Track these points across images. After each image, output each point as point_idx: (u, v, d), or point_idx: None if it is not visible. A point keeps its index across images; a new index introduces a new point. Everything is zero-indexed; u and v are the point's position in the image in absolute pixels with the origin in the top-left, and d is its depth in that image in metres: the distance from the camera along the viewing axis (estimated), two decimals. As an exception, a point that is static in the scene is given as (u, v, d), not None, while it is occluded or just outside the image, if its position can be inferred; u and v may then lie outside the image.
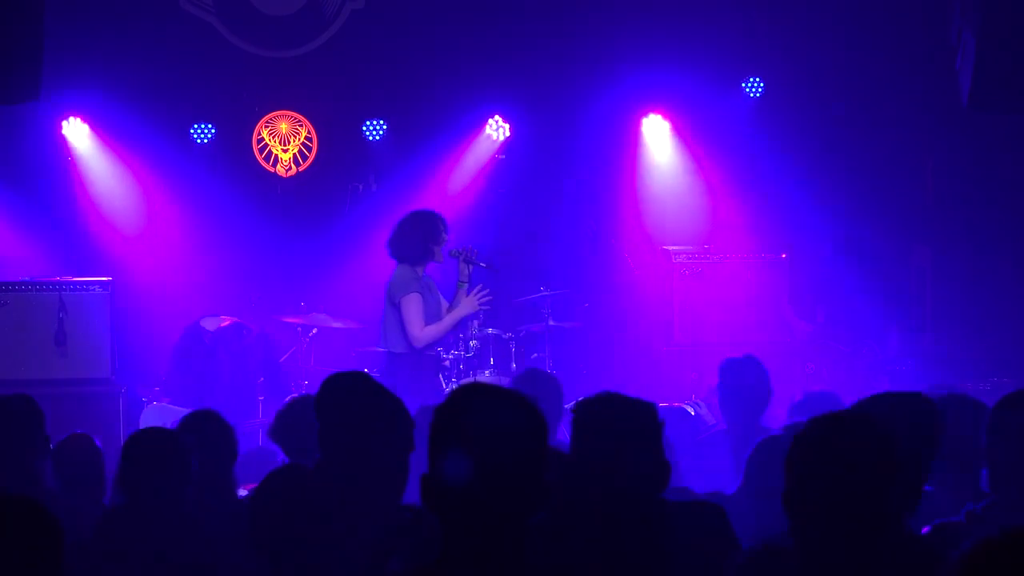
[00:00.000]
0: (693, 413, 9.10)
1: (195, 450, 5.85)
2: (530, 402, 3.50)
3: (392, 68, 13.12)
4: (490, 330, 11.41)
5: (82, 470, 7.26)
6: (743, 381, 7.60)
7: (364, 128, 13.26)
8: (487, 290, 10.08)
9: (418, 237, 10.05)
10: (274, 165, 13.24)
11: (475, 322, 11.52)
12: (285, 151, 13.22)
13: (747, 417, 7.55)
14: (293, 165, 13.24)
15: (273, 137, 13.22)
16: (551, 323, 11.73)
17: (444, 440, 3.43)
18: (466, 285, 10.13)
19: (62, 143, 12.95)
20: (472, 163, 13.38)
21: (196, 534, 5.57)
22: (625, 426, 4.30)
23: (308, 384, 11.69)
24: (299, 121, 13.24)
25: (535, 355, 11.82)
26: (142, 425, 10.37)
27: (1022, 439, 4.69)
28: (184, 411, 10.27)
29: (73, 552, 5.44)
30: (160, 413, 10.56)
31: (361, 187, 13.46)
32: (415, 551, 4.48)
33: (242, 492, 6.74)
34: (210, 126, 13.16)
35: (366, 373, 5.52)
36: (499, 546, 3.38)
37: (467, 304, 9.97)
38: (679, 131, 13.28)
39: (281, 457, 7.38)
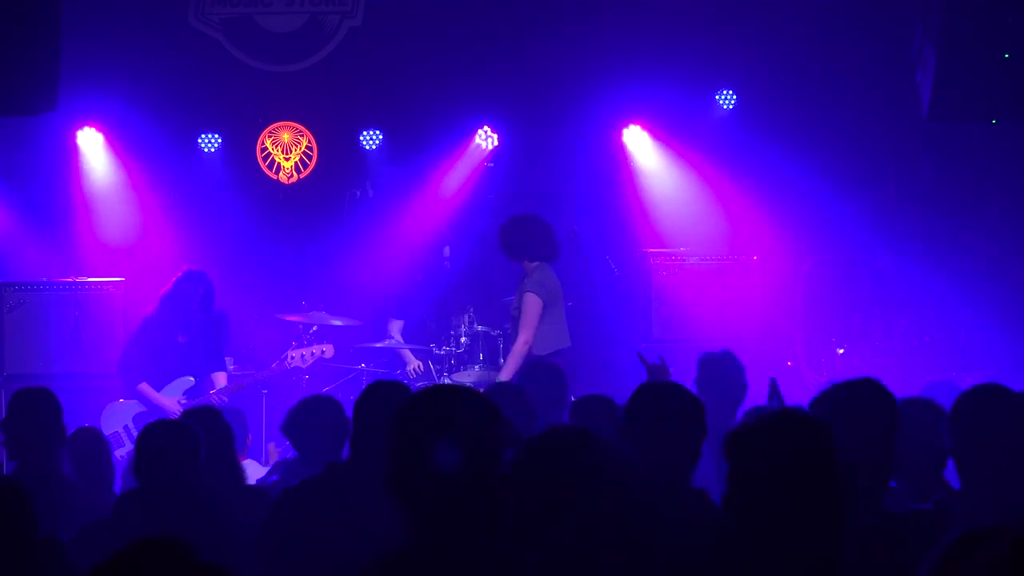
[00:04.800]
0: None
1: (203, 440, 5.86)
2: (488, 400, 3.56)
3: (388, 81, 13.11)
4: (479, 327, 11.41)
5: (92, 459, 7.30)
6: (721, 375, 7.57)
7: (361, 138, 13.24)
8: None
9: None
10: (277, 172, 13.22)
11: (466, 317, 11.53)
12: (287, 159, 13.21)
13: (722, 411, 7.50)
14: (295, 172, 13.23)
15: (276, 146, 13.21)
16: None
17: (416, 434, 3.45)
18: None
19: (77, 152, 12.93)
20: (462, 171, 13.37)
21: (206, 518, 5.57)
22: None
23: (308, 379, 11.68)
24: (300, 131, 13.22)
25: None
26: (102, 424, 10.40)
27: (985, 431, 4.69)
28: (135, 405, 10.41)
29: (91, 532, 5.47)
30: (117, 410, 10.56)
31: (359, 193, 13.44)
32: None
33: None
34: (216, 136, 13.14)
35: (405, 384, 5.53)
36: (464, 534, 3.39)
37: None
38: (657, 141, 13.28)
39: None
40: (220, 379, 10.60)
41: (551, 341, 10.31)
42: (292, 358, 10.95)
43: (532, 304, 10.25)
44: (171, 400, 10.36)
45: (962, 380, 10.22)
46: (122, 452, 10.31)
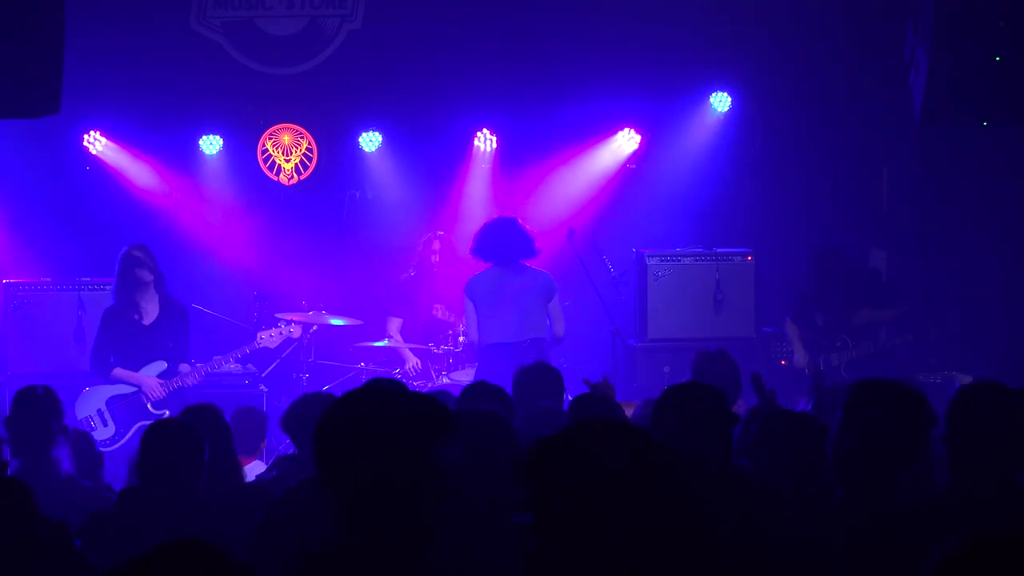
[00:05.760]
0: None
1: (206, 440, 5.87)
2: (430, 399, 3.48)
3: (387, 84, 13.11)
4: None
5: (89, 458, 7.31)
6: (715, 375, 7.57)
7: (360, 139, 13.25)
8: None
9: None
10: (277, 174, 13.23)
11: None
12: (287, 161, 13.21)
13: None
14: (295, 174, 13.23)
15: (276, 148, 13.21)
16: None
17: (344, 435, 3.39)
18: None
19: (82, 154, 12.94)
20: (461, 172, 13.38)
21: (206, 516, 5.58)
22: None
23: (308, 377, 11.68)
24: (300, 133, 13.23)
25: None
26: (76, 409, 10.37)
27: (980, 426, 4.69)
28: (113, 388, 10.38)
29: (94, 522, 5.49)
30: (91, 395, 10.56)
31: (358, 194, 13.45)
32: None
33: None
34: (217, 138, 13.15)
35: (403, 383, 5.53)
36: (401, 534, 3.34)
37: None
38: (652, 142, 13.29)
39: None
40: (185, 370, 10.54)
41: (483, 335, 10.67)
42: (261, 339, 11.01)
43: (465, 302, 10.84)
44: (150, 378, 10.33)
45: (930, 377, 10.28)
46: (95, 436, 10.26)
